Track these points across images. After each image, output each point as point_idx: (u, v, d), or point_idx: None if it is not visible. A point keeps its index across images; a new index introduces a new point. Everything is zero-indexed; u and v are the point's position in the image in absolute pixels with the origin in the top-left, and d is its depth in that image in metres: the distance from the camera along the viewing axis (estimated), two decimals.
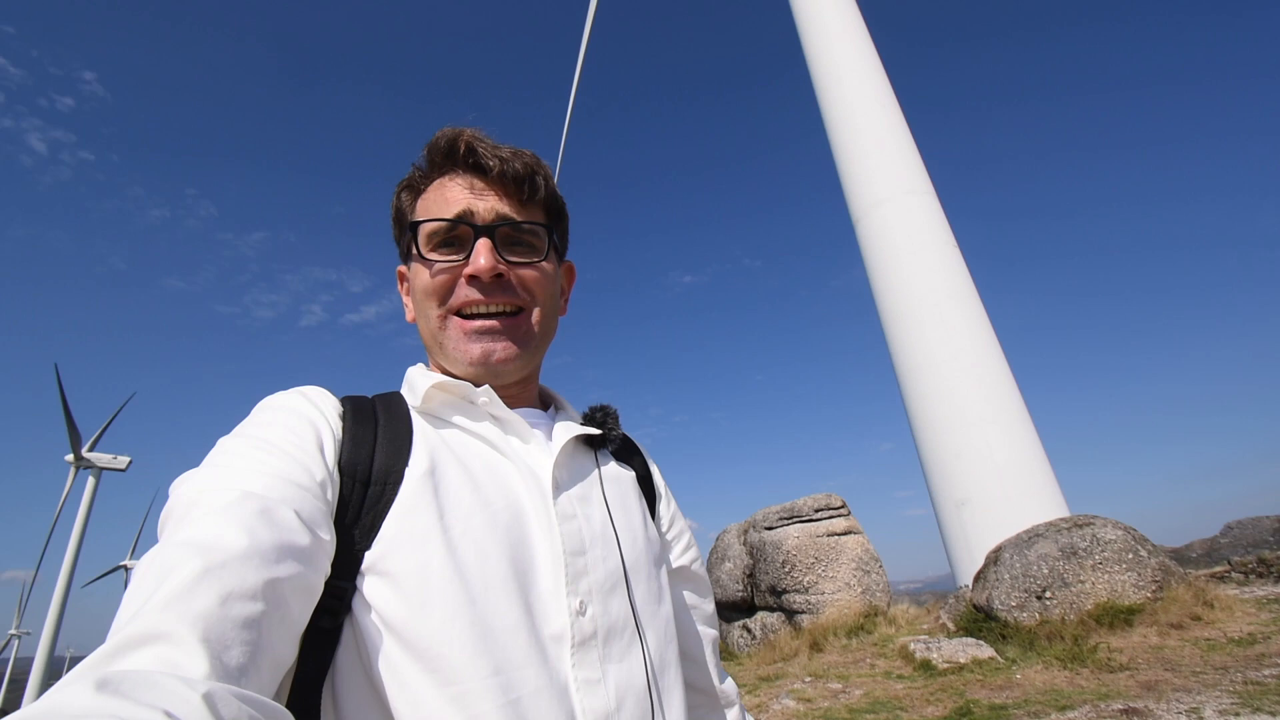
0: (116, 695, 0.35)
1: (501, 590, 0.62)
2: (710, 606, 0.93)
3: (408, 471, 0.66)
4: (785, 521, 8.56)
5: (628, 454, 0.90)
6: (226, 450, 0.61)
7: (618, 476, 0.84)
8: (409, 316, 0.86)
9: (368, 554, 0.60)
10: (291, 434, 0.63)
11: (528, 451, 0.75)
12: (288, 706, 0.55)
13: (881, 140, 4.78)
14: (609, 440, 0.85)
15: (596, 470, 0.80)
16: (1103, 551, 5.82)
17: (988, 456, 8.28)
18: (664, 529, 0.89)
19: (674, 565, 0.88)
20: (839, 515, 8.54)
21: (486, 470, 0.70)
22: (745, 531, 9.31)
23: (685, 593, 0.89)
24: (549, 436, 0.79)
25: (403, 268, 0.88)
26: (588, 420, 0.85)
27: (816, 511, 8.55)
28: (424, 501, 0.64)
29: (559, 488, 0.73)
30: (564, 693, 0.60)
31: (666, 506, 0.92)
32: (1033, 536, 6.34)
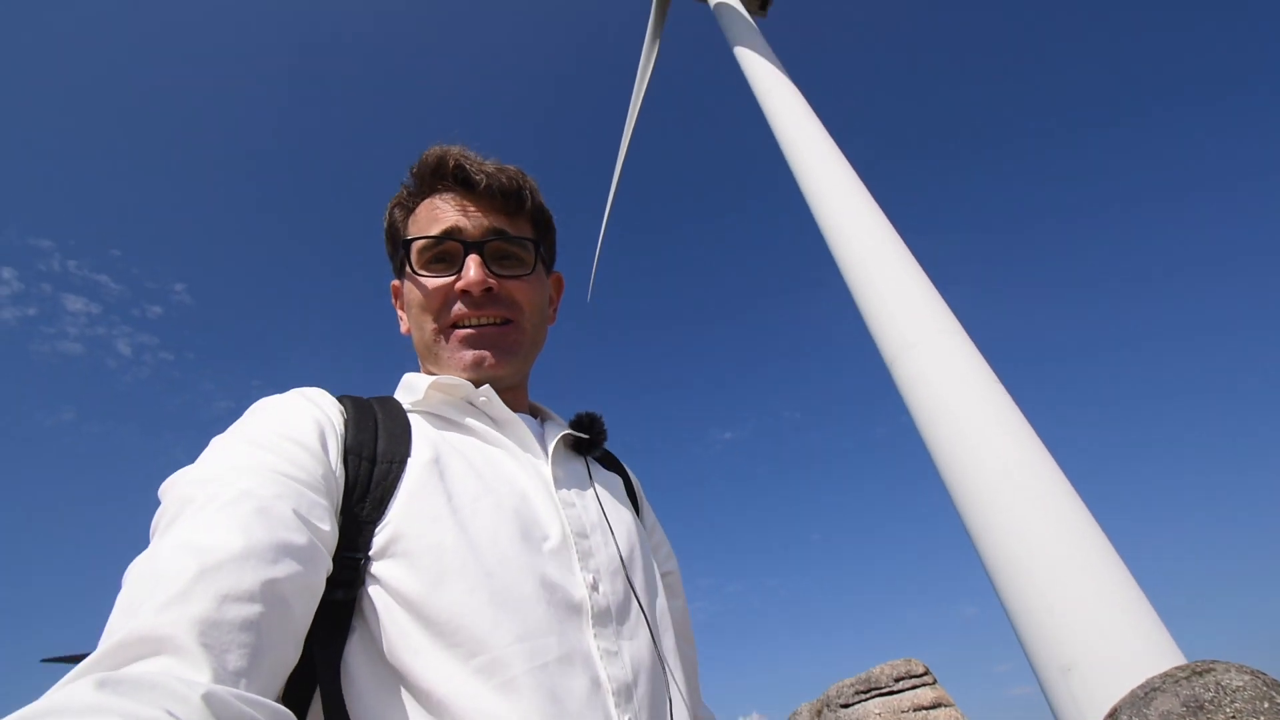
0: (117, 693, 0.36)
1: (517, 564, 0.62)
2: (690, 631, 0.93)
3: (411, 460, 0.67)
4: (863, 696, 7.72)
5: (612, 464, 0.94)
6: (220, 449, 0.60)
7: (607, 478, 0.87)
8: (403, 329, 0.89)
9: (379, 535, 0.61)
10: (290, 429, 0.63)
11: (524, 449, 0.78)
12: (303, 699, 0.54)
13: (900, 285, 4.89)
14: (595, 445, 0.87)
15: (587, 470, 0.83)
16: (1233, 702, 5.10)
17: (1088, 612, 7.49)
18: (647, 533, 0.90)
19: (661, 570, 0.88)
20: (924, 684, 7.69)
21: (488, 463, 0.72)
22: (819, 712, 8.41)
23: (671, 608, 0.87)
24: (542, 440, 0.81)
25: (396, 283, 0.91)
26: (575, 426, 0.87)
27: (897, 681, 7.73)
28: (431, 486, 0.65)
29: (558, 481, 0.75)
30: (588, 660, 0.61)
31: (648, 515, 0.95)
32: (1149, 692, 5.59)
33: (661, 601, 0.77)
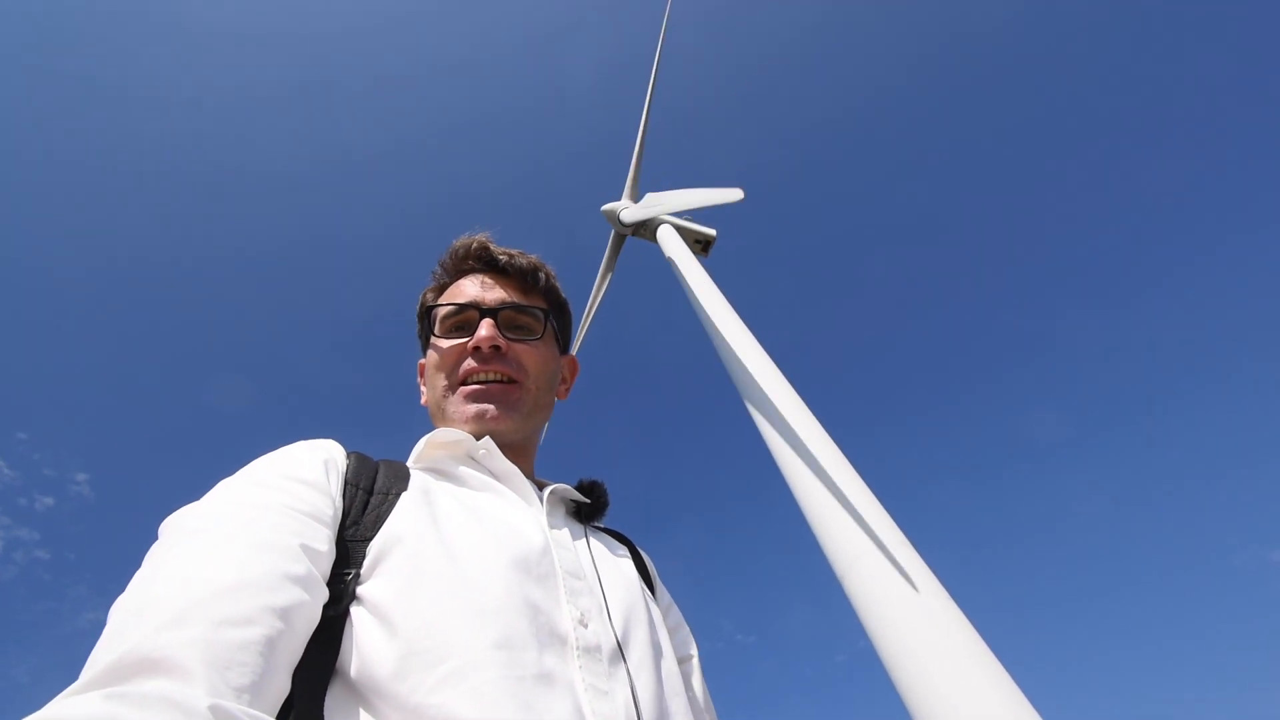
0: (126, 704, 0.37)
1: (500, 580, 0.61)
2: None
3: (405, 494, 0.69)
4: None
5: (619, 539, 0.92)
6: (224, 488, 0.62)
7: (608, 543, 0.86)
8: (423, 400, 0.94)
9: (370, 552, 0.61)
10: (292, 469, 0.64)
11: (522, 499, 0.77)
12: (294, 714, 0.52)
13: (844, 501, 4.97)
14: (596, 511, 0.87)
15: (584, 531, 0.82)
16: None
17: None
18: (662, 614, 0.86)
19: (678, 654, 0.85)
20: None
21: (478, 504, 0.73)
22: None
23: (690, 694, 0.80)
24: (542, 501, 0.80)
25: (422, 360, 0.96)
26: (578, 490, 0.87)
27: None
28: (419, 507, 0.67)
29: (553, 527, 0.75)
30: (570, 689, 0.57)
31: (663, 594, 0.92)
32: None
33: (670, 667, 0.72)
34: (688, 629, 0.92)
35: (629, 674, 0.63)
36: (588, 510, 0.86)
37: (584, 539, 0.79)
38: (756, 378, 5.87)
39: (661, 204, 8.84)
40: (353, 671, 0.54)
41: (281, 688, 0.48)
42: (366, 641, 0.55)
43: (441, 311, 0.90)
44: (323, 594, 0.55)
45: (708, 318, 6.65)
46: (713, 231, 9.76)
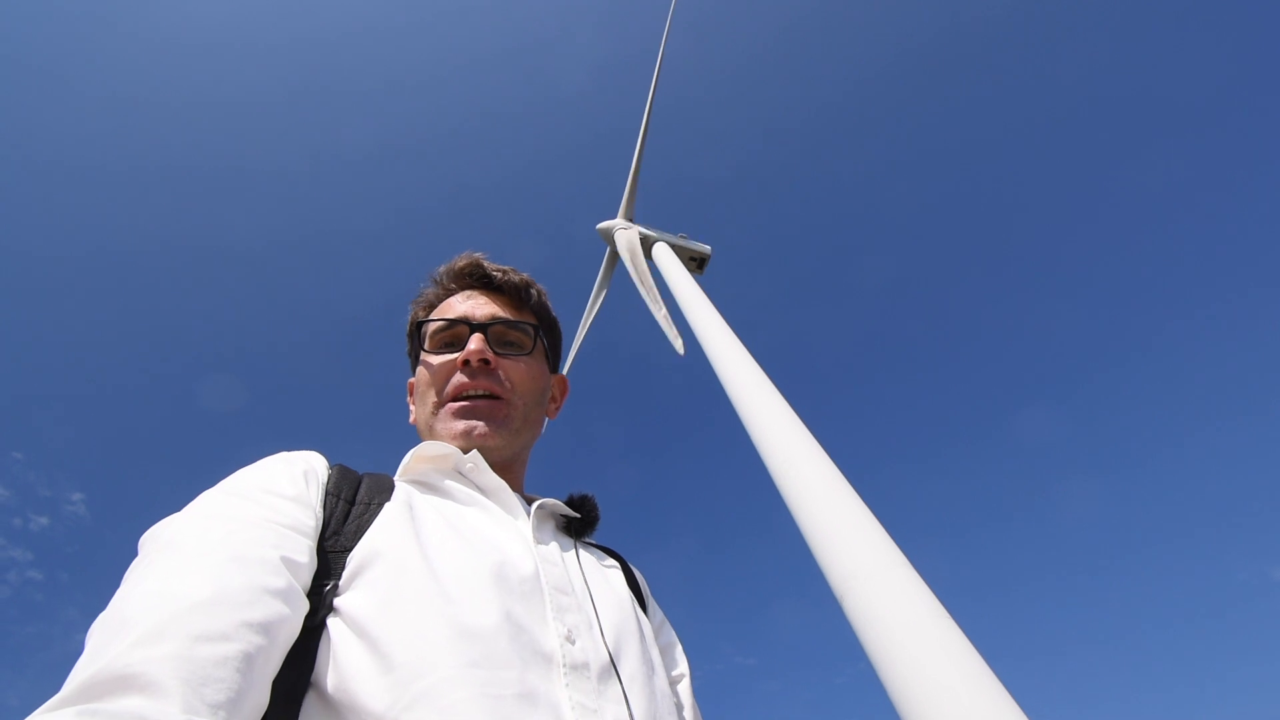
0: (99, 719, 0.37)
1: (481, 596, 0.60)
2: None
3: (388, 505, 0.68)
4: None
5: (611, 555, 0.91)
6: (203, 501, 0.61)
7: (599, 558, 0.84)
8: (411, 419, 0.94)
9: (349, 563, 0.60)
10: (271, 483, 0.63)
11: (508, 514, 0.76)
12: None
13: (842, 520, 4.95)
14: (587, 526, 0.85)
15: (574, 546, 0.80)
16: None
17: None
18: (654, 632, 0.84)
19: (671, 673, 0.82)
20: None
21: (462, 519, 0.71)
22: None
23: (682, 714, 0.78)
24: (530, 515, 0.78)
25: (412, 379, 0.96)
26: (568, 504, 0.85)
27: None
28: (402, 520, 0.66)
29: (539, 542, 0.74)
30: (554, 708, 0.55)
31: (655, 612, 0.91)
32: None
33: (663, 685, 0.70)
34: (680, 647, 0.91)
35: (623, 692, 0.61)
36: (578, 525, 0.85)
37: (573, 554, 0.78)
38: (751, 393, 5.86)
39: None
40: (328, 686, 0.53)
41: (259, 704, 0.47)
42: (342, 655, 0.54)
43: (431, 327, 0.90)
44: (303, 607, 0.54)
45: (703, 334, 6.65)
46: (707, 249, 9.82)
